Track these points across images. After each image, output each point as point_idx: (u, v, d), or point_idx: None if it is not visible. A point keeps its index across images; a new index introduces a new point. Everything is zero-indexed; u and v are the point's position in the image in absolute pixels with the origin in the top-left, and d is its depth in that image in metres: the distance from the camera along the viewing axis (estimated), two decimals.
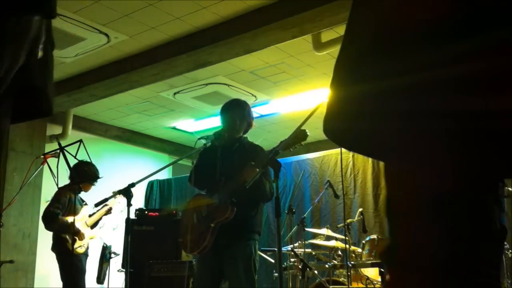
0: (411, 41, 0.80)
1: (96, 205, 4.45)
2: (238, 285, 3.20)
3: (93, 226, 4.93)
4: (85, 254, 4.82)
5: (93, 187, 4.98)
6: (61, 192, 4.68)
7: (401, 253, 0.87)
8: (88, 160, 4.65)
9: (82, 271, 4.72)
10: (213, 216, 3.29)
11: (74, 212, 4.50)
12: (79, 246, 4.67)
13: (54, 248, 4.72)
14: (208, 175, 3.42)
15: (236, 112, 3.47)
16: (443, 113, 0.77)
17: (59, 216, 4.64)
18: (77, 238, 4.64)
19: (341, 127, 0.93)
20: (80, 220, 4.74)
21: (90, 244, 4.96)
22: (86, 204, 4.90)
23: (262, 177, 3.20)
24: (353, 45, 0.91)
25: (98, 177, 4.89)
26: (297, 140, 2.99)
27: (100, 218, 4.97)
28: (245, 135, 3.56)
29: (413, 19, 0.80)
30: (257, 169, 3.10)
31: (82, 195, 4.97)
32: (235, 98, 3.75)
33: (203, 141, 3.39)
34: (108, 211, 4.95)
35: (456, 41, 0.75)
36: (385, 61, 0.83)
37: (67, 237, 4.64)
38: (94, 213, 4.92)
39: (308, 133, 3.00)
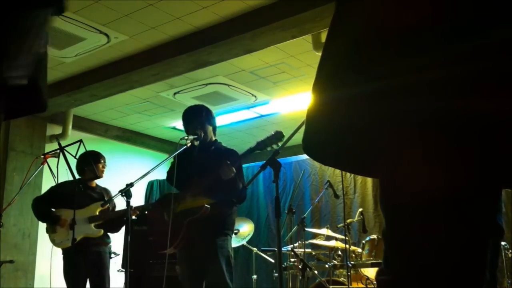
0: (392, 45, 0.80)
1: (102, 205, 4.41)
2: (221, 280, 3.29)
3: (101, 225, 4.69)
4: (82, 251, 4.53)
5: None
6: (60, 184, 4.55)
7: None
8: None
9: (65, 270, 4.57)
10: (186, 213, 3.34)
11: (72, 206, 4.23)
12: (59, 241, 4.56)
13: None
14: (184, 175, 3.49)
15: (196, 121, 3.56)
16: (429, 115, 0.78)
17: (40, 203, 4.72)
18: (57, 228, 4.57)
19: (322, 139, 0.93)
20: (82, 215, 4.52)
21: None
22: (105, 201, 4.47)
23: (236, 177, 3.30)
24: (335, 51, 0.91)
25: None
26: (275, 141, 3.10)
27: (108, 218, 4.68)
28: (219, 140, 3.67)
29: (393, 25, 0.80)
30: (233, 168, 3.22)
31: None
32: (193, 105, 3.79)
33: (184, 142, 3.44)
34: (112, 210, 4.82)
35: (439, 45, 0.75)
36: (365, 66, 0.83)
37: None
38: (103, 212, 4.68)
39: (284, 134, 3.10)
